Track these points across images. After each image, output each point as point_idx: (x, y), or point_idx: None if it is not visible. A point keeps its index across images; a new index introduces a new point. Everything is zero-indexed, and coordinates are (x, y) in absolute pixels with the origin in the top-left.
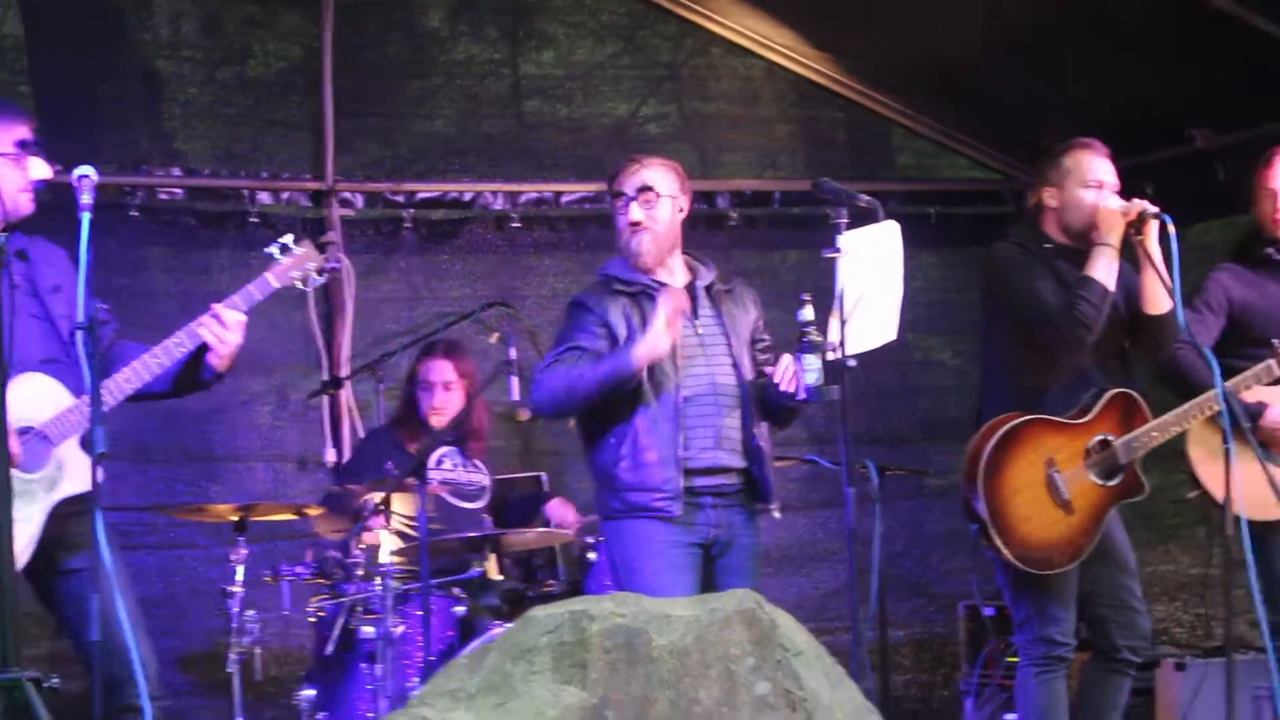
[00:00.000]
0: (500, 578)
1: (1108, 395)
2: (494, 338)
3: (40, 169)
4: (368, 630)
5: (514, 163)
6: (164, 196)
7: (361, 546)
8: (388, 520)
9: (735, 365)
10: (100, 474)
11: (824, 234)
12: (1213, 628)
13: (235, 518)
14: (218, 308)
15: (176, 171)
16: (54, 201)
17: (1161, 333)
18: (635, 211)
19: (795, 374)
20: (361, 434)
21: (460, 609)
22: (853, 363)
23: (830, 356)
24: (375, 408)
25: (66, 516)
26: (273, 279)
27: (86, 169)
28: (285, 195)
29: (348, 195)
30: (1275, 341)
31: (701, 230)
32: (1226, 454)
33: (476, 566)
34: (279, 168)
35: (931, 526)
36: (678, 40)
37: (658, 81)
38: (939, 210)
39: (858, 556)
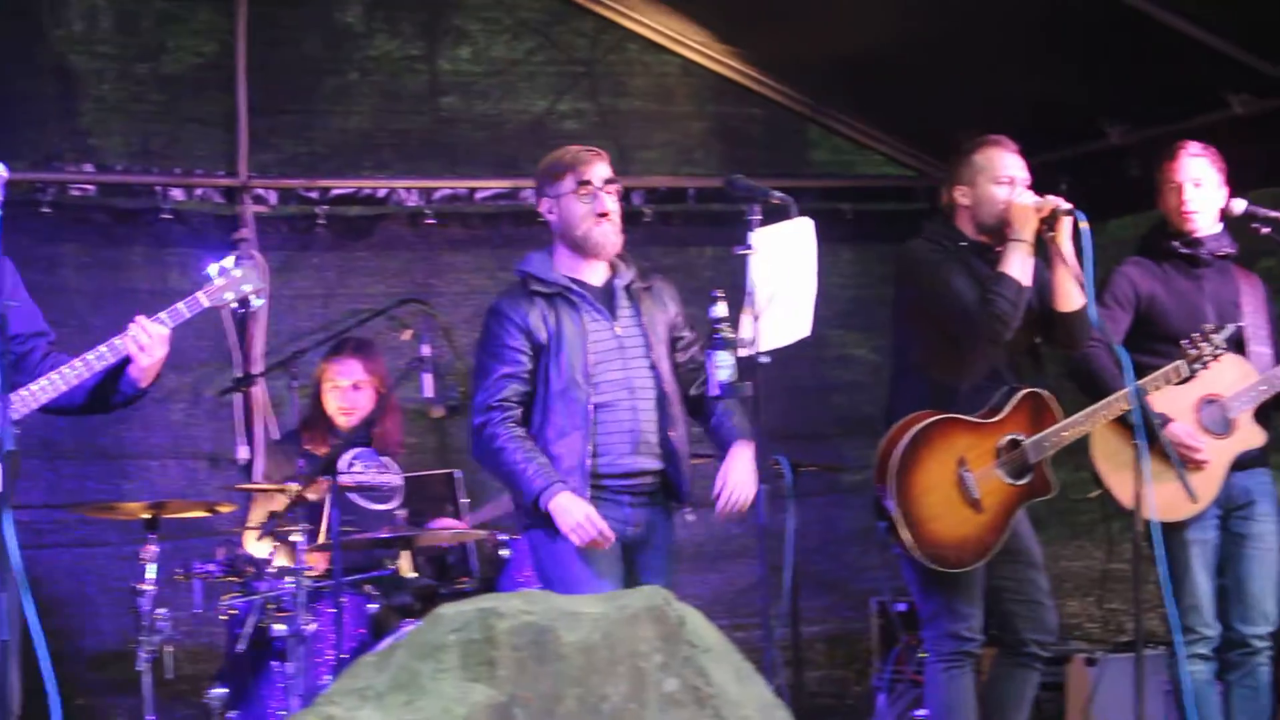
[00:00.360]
0: (413, 575)
1: (1018, 395)
2: (407, 334)
3: None
4: (279, 628)
5: (429, 159)
6: (76, 193)
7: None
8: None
9: (653, 367)
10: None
11: (739, 231)
12: (1123, 623)
13: (147, 515)
14: (141, 320)
15: (89, 168)
16: None
17: (1074, 330)
18: (609, 201)
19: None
20: (275, 432)
21: (373, 607)
22: (765, 359)
23: (743, 353)
24: (288, 405)
25: None
26: (204, 298)
27: None
28: (199, 192)
29: (261, 192)
30: (1184, 342)
31: None
32: (1138, 449)
33: (389, 564)
34: (193, 164)
35: (846, 523)
36: (594, 37)
37: (574, 78)
38: (854, 207)
39: (771, 553)
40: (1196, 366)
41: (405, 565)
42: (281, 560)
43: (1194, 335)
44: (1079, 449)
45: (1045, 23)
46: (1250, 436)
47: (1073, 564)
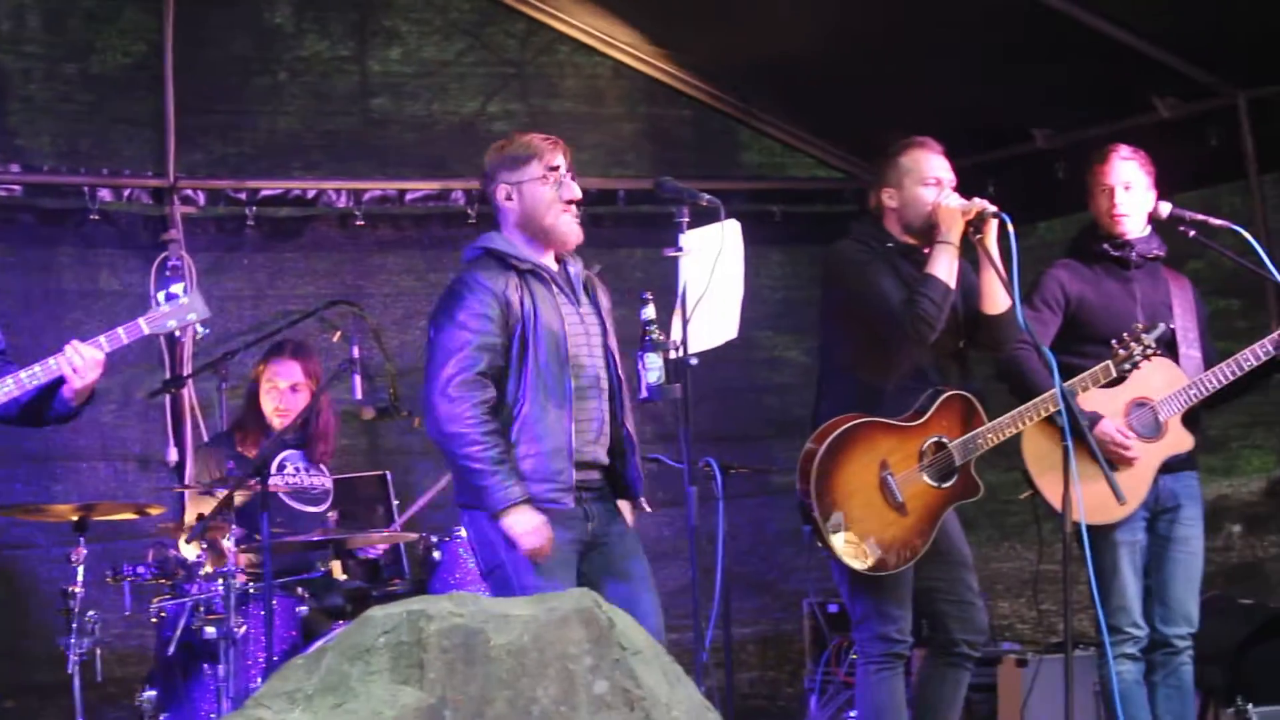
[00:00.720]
0: (344, 577)
1: (942, 397)
2: (336, 336)
3: None
4: (210, 630)
5: (359, 160)
6: (3, 193)
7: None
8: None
9: (609, 355)
10: None
11: (669, 233)
12: (1055, 624)
13: (76, 517)
14: (76, 344)
15: (16, 168)
16: None
17: (1001, 332)
18: (577, 188)
19: (636, 373)
20: (204, 433)
21: (303, 609)
22: (694, 361)
23: (672, 355)
24: (218, 406)
25: None
26: (145, 325)
27: None
28: (127, 192)
29: (190, 193)
30: (1114, 342)
31: None
32: (1066, 451)
33: (320, 566)
34: (121, 165)
35: (776, 524)
36: (524, 38)
37: (505, 79)
38: (783, 209)
39: (702, 555)
40: (1126, 367)
41: (337, 567)
42: (212, 563)
43: (1124, 335)
44: (1010, 450)
45: (973, 27)
46: (1179, 440)
47: (1004, 565)
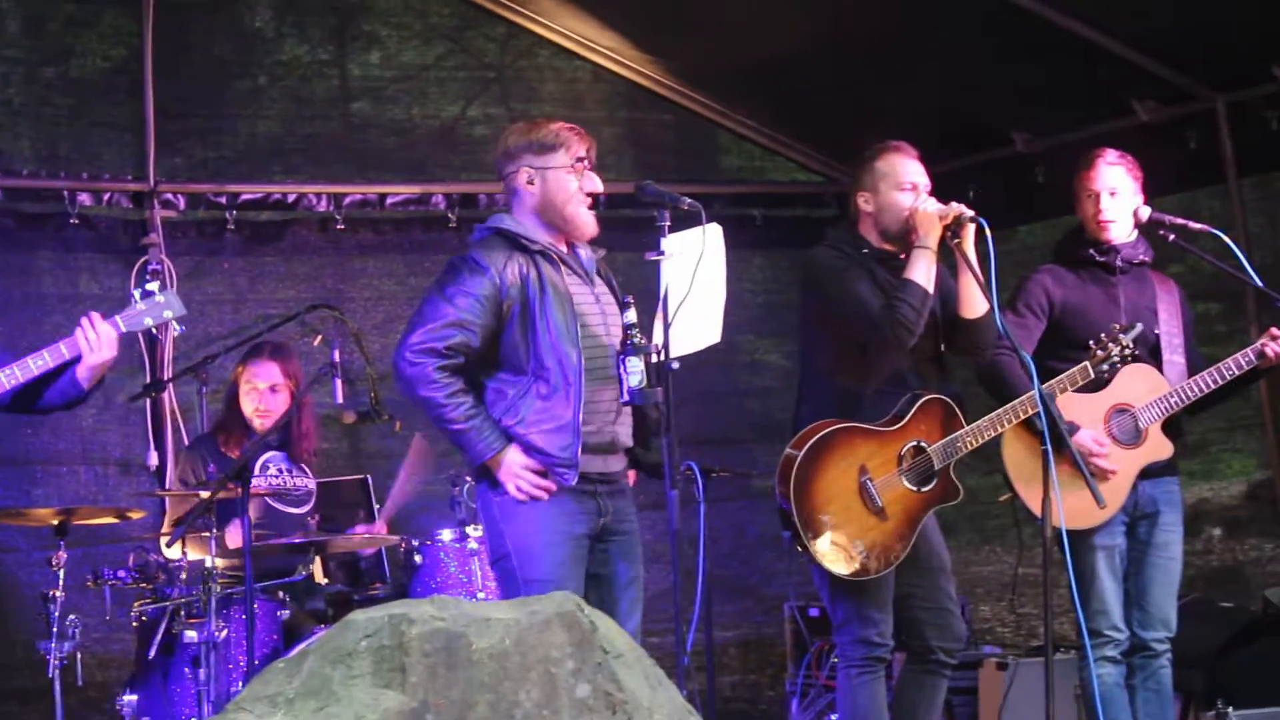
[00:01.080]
0: (326, 581)
1: (920, 401)
2: (317, 340)
3: None
4: (191, 635)
5: (339, 164)
6: None
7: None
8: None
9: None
10: None
11: (650, 236)
12: (1035, 628)
13: (56, 521)
14: (94, 315)
15: None
16: None
17: (979, 336)
18: (599, 182)
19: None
20: (185, 437)
21: (285, 613)
22: (675, 365)
23: (654, 359)
24: (198, 410)
25: None
26: (122, 322)
27: None
28: (107, 197)
29: (170, 197)
30: (1092, 343)
31: None
32: (1045, 455)
33: (302, 570)
34: (101, 169)
35: (758, 528)
36: (504, 42)
37: (485, 83)
38: (764, 212)
39: (683, 558)
40: (1104, 368)
41: (318, 571)
42: (193, 560)
43: (1101, 336)
44: (991, 454)
45: (952, 31)
46: (1159, 447)
47: (985, 569)
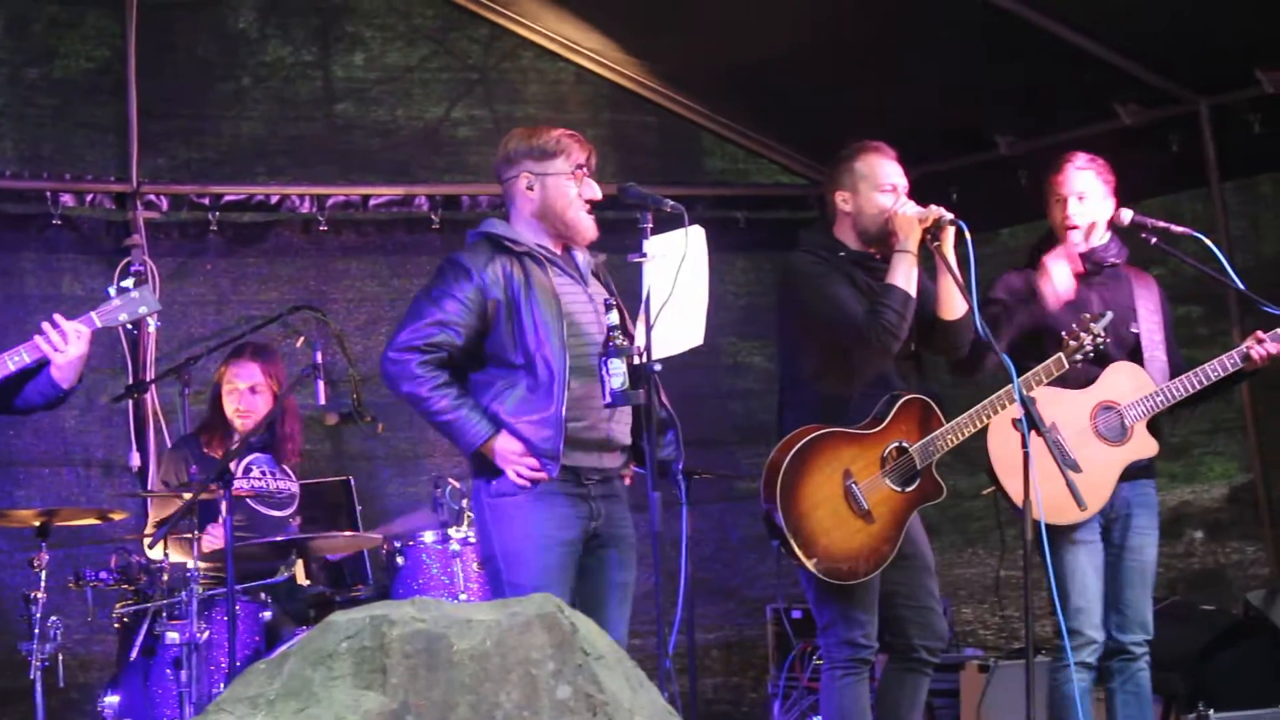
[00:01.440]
0: (308, 583)
1: (900, 402)
2: (299, 342)
3: None
4: (173, 636)
5: (323, 165)
6: None
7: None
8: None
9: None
10: None
11: (633, 238)
12: (1017, 629)
13: (38, 522)
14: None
15: None
16: None
17: (958, 337)
18: (598, 189)
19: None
20: (168, 439)
21: (266, 614)
22: (658, 367)
23: (636, 361)
24: (180, 411)
25: None
26: (97, 318)
27: None
28: (90, 198)
29: (153, 198)
30: (1064, 333)
31: None
32: (1026, 458)
33: (284, 572)
34: (84, 170)
35: (740, 530)
36: (488, 44)
37: (469, 85)
38: (747, 215)
39: (666, 560)
40: (1078, 357)
41: (300, 572)
42: (175, 562)
43: (1073, 326)
44: (975, 455)
45: (936, 35)
46: (1143, 446)
47: (967, 571)
